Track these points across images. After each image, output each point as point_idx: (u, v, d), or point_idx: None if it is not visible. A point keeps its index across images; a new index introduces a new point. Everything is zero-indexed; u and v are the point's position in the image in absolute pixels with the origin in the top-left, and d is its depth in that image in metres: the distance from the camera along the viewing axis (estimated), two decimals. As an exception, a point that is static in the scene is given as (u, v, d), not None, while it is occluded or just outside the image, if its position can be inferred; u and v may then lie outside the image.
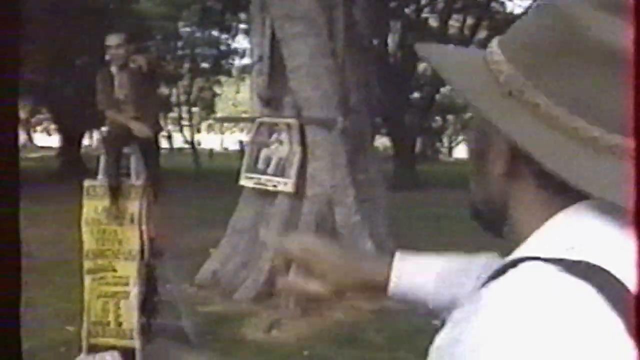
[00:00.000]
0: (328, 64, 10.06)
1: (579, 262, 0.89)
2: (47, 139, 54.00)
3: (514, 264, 0.93)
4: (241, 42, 37.05)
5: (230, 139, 61.48)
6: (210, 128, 64.99)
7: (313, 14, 10.00)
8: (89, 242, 7.18)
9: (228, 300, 9.41)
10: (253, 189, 10.37)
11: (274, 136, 10.27)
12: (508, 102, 1.00)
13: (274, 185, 10.06)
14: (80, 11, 23.28)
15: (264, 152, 10.37)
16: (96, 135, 41.26)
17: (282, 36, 10.13)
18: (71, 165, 29.16)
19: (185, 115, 41.32)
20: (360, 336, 8.17)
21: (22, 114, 47.61)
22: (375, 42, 18.95)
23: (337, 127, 9.88)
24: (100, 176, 7.30)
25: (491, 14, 29.87)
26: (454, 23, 31.45)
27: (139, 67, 7.58)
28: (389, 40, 28.92)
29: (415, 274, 1.54)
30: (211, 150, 49.62)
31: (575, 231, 0.96)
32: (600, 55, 0.95)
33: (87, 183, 7.34)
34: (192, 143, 39.57)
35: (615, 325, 0.84)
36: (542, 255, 0.92)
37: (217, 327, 8.35)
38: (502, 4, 30.92)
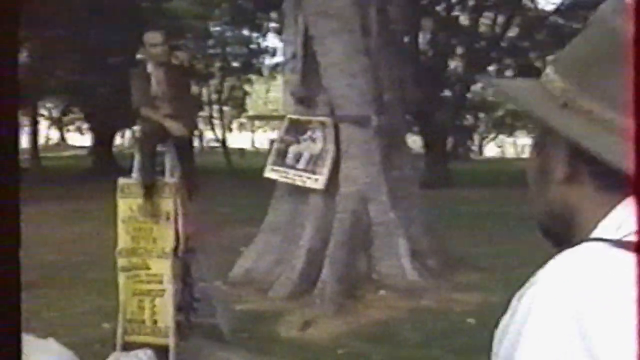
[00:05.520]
0: (362, 62, 10.04)
1: (630, 240, 0.96)
2: (80, 138, 54.44)
3: (572, 246, 1.02)
4: (272, 40, 37.14)
5: (261, 138, 61.63)
6: (241, 127, 65.21)
7: (347, 11, 9.98)
8: (123, 240, 7.19)
9: (262, 298, 9.40)
10: (287, 187, 10.35)
11: (307, 134, 10.24)
12: (564, 112, 1.10)
13: (303, 181, 10.03)
14: (113, 10, 23.41)
15: (293, 148, 10.34)
16: (128, 134, 41.59)
17: (315, 33, 10.11)
18: (103, 164, 29.39)
19: (216, 114, 41.44)
20: (396, 334, 8.13)
21: (55, 113, 48.09)
22: (406, 39, 18.91)
23: (371, 124, 9.85)
24: (134, 174, 7.32)
25: (522, 12, 29.71)
26: (485, 21, 31.35)
27: (180, 62, 7.60)
28: (420, 38, 28.83)
29: None
30: (242, 149, 49.75)
31: (630, 218, 0.99)
32: None
33: (121, 181, 7.35)
34: (223, 142, 39.70)
35: None
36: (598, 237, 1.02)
37: (252, 324, 8.34)
38: (533, 1, 30.73)
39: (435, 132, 28.69)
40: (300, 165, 10.15)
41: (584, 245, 1.01)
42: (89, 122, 37.56)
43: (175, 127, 7.24)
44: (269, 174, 10.55)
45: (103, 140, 33.64)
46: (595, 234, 1.05)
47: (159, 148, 7.35)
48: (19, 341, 0.59)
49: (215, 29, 35.82)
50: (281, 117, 11.54)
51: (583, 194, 1.10)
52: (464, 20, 31.48)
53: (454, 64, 32.35)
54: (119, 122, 31.34)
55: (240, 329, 8.05)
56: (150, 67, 7.46)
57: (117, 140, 40.02)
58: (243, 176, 23.05)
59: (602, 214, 1.06)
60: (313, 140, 10.15)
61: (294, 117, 10.54)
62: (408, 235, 9.93)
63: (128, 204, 7.21)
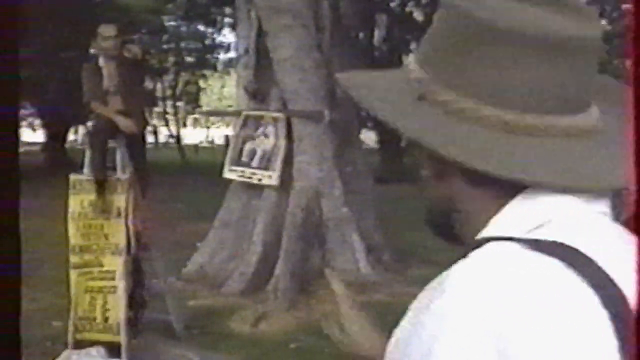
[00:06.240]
0: (315, 57, 10.04)
1: (543, 240, 0.90)
2: (32, 135, 53.72)
3: (476, 246, 0.94)
4: (226, 36, 36.99)
5: (216, 134, 61.34)
6: (195, 122, 64.86)
7: (299, 6, 9.96)
8: (75, 236, 7.14)
9: (215, 293, 9.37)
10: (240, 182, 10.33)
11: (260, 129, 10.23)
12: (419, 105, 1.03)
13: (259, 179, 10.02)
14: (65, 4, 23.12)
15: (248, 145, 10.32)
16: (81, 130, 41.14)
17: (268, 29, 10.08)
18: (56, 160, 29.02)
19: (170, 109, 41.14)
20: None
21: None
22: (361, 35, 18.95)
23: (324, 119, 9.86)
24: (85, 170, 7.26)
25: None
26: (439, 16, 31.48)
27: (134, 55, 7.56)
28: (375, 34, 28.90)
29: None
30: (196, 144, 49.48)
31: (535, 213, 0.96)
32: (498, 39, 0.96)
33: (73, 177, 7.30)
34: (177, 137, 39.44)
35: (587, 296, 0.84)
36: (504, 235, 0.94)
37: (205, 320, 8.32)
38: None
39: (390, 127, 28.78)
40: (255, 163, 10.13)
41: (493, 246, 0.92)
42: (42, 118, 37.05)
43: (124, 124, 7.20)
44: (227, 174, 10.52)
45: (56, 137, 33.19)
46: (489, 231, 0.98)
47: (111, 144, 7.30)
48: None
49: (169, 23, 35.53)
50: (236, 113, 11.50)
51: (456, 188, 1.05)
52: (418, 16, 31.58)
53: (408, 60, 32.44)
54: (72, 118, 30.94)
55: (193, 325, 8.03)
56: (102, 61, 7.41)
57: (71, 136, 39.52)
58: (198, 172, 22.93)
59: (482, 209, 1.00)
60: (266, 135, 10.14)
61: (249, 113, 10.53)
62: (361, 230, 9.96)
63: (79, 200, 7.16)
